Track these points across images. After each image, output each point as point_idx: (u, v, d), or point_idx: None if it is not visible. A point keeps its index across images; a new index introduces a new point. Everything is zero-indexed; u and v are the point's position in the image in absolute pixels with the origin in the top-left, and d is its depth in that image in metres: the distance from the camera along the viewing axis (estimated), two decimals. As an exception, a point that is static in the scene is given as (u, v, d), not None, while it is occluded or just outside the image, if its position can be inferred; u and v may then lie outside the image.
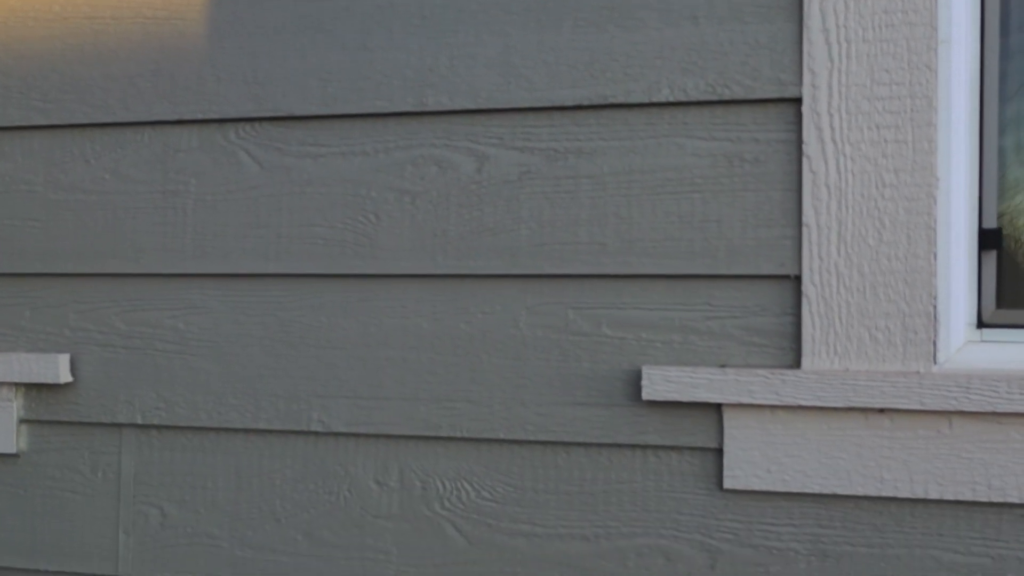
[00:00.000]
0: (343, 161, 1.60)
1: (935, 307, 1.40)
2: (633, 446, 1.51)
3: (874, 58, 1.41)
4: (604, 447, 1.52)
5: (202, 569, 1.67)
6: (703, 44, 1.47)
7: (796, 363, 1.45)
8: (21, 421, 1.74)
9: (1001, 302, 1.46)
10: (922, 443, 1.40)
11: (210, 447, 1.67)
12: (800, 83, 1.44)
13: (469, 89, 1.55)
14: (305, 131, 1.61)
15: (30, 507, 1.74)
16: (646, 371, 1.46)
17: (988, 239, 1.45)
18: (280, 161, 1.62)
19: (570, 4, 1.51)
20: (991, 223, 1.45)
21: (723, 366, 1.46)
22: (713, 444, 1.48)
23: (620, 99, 1.50)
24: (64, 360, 1.69)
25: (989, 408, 1.36)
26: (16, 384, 1.72)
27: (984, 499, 1.39)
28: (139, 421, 1.68)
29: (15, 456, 1.74)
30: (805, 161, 1.43)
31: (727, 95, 1.46)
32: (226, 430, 1.66)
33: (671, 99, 1.48)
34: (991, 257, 1.45)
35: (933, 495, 1.40)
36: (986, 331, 1.45)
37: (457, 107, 1.55)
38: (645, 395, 1.46)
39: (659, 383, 1.45)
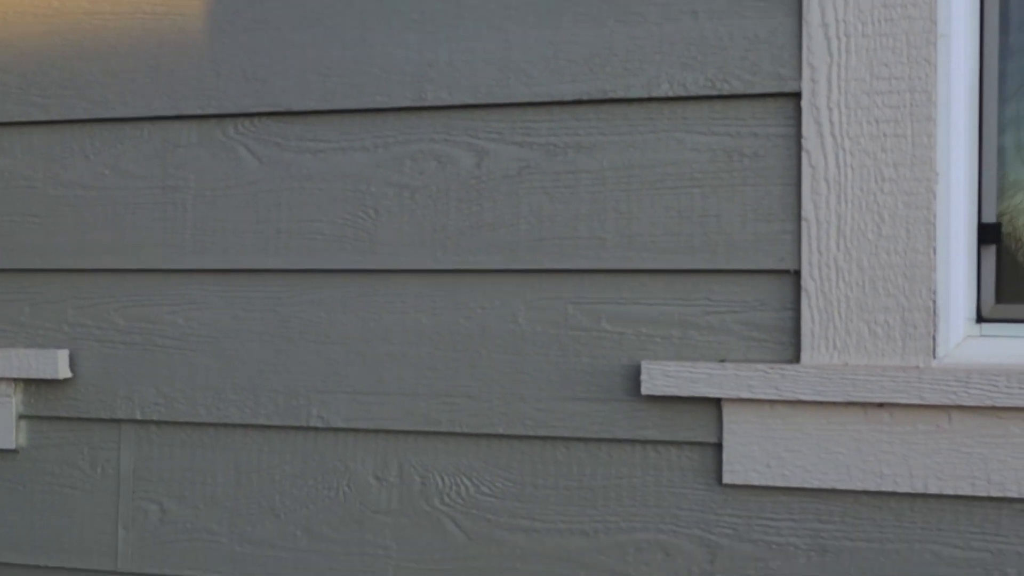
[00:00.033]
0: (342, 156, 1.60)
1: (934, 301, 1.40)
2: (632, 441, 1.51)
3: (873, 52, 1.41)
4: (603, 442, 1.52)
5: (201, 565, 1.67)
6: (702, 39, 1.47)
7: (795, 358, 1.45)
8: (20, 417, 1.74)
9: (1000, 296, 1.46)
10: (921, 438, 1.40)
11: (209, 443, 1.66)
12: (799, 78, 1.44)
13: (468, 84, 1.54)
14: (304, 126, 1.61)
15: (29, 503, 1.74)
16: (645, 366, 1.46)
17: (987, 234, 1.45)
18: (279, 156, 1.62)
19: (569, -1, 1.51)
20: (990, 218, 1.45)
21: (722, 361, 1.46)
22: (712, 439, 1.48)
23: (619, 94, 1.49)
24: (63, 356, 1.69)
25: (988, 402, 1.35)
26: (15, 380, 1.72)
27: (983, 494, 1.38)
28: (138, 417, 1.68)
29: (14, 452, 1.74)
30: (804, 156, 1.43)
31: (726, 90, 1.46)
32: (225, 426, 1.66)
33: (670, 94, 1.48)
34: (990, 252, 1.45)
35: (932, 490, 1.40)
36: (985, 326, 1.45)
37: (456, 102, 1.55)
38: (644, 390, 1.46)
39: (658, 378, 1.45)
